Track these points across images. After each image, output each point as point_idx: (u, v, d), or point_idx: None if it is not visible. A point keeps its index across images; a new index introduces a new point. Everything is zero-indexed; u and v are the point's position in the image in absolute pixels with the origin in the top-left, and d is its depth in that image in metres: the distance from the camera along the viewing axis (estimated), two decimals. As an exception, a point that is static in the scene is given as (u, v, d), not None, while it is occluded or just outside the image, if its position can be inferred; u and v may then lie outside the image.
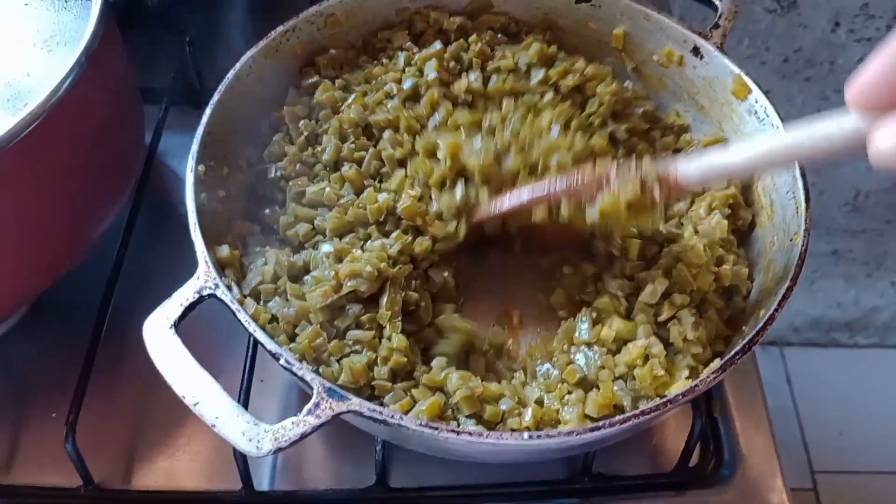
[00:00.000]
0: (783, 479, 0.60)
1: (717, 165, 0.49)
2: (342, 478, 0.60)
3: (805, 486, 1.68)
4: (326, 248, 0.56)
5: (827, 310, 1.80)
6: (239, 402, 0.57)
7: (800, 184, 0.55)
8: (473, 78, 0.63)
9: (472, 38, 0.66)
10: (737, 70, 0.61)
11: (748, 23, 1.27)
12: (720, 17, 0.64)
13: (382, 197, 0.57)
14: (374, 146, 0.61)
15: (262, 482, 0.60)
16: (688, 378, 0.51)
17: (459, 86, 0.62)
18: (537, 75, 0.65)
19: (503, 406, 0.51)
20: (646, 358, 0.52)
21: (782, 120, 0.58)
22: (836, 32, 1.29)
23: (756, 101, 0.60)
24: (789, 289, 0.49)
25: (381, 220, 0.57)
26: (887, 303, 1.77)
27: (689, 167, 0.50)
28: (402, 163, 0.60)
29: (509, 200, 0.56)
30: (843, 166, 1.51)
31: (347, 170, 0.59)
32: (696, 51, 0.63)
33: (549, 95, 0.63)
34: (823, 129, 0.44)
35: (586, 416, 0.51)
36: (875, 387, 1.78)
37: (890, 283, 1.72)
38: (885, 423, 1.71)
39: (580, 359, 0.54)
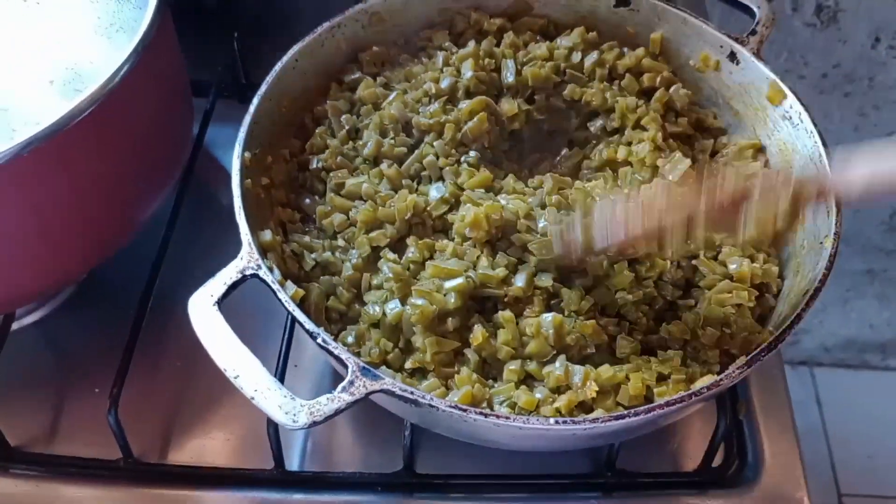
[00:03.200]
0: (807, 486, 0.60)
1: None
2: (370, 462, 0.61)
3: (832, 509, 1.66)
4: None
5: (860, 330, 1.78)
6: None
7: (832, 189, 0.55)
8: (508, 73, 0.65)
9: (507, 35, 0.67)
10: (772, 76, 0.62)
11: (787, 36, 1.27)
12: (758, 23, 0.64)
13: (412, 197, 0.58)
14: (414, 145, 0.63)
15: (293, 463, 0.61)
16: (717, 373, 0.52)
17: (509, 108, 0.64)
18: (590, 58, 0.66)
19: (538, 395, 0.52)
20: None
21: (816, 125, 0.58)
22: (876, 48, 1.28)
23: (791, 107, 0.61)
24: (817, 289, 0.50)
25: (411, 219, 0.59)
26: (922, 325, 1.74)
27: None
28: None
29: (625, 231, 0.51)
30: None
31: (387, 168, 0.61)
32: (732, 56, 0.64)
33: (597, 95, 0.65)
34: None
35: (618, 405, 0.51)
36: (906, 411, 1.75)
37: (925, 305, 1.70)
38: (915, 449, 1.69)
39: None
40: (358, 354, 0.55)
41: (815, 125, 0.58)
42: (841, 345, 1.81)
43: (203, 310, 0.50)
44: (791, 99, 0.60)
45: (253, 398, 0.47)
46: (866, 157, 0.45)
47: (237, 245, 0.53)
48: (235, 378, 0.47)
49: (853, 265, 1.62)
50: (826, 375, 1.84)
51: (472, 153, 0.61)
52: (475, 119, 0.61)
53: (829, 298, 1.69)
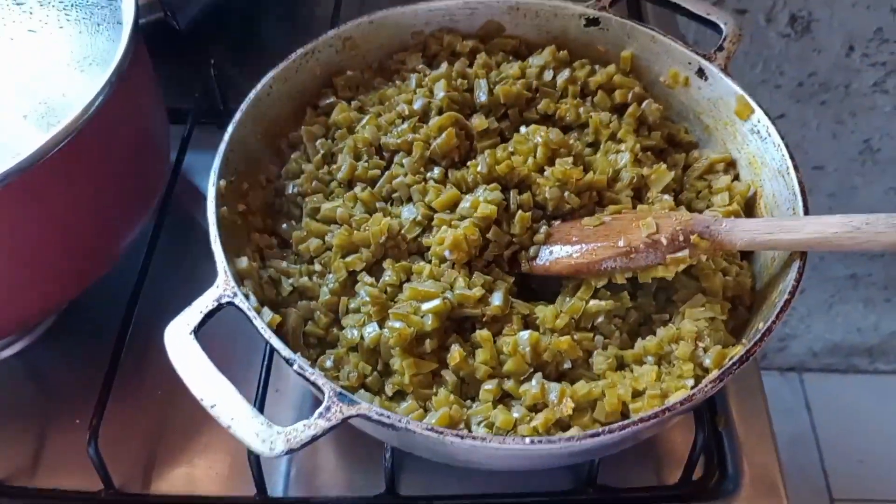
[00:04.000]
0: (787, 496, 0.61)
1: (771, 239, 0.53)
2: (353, 485, 0.61)
3: (824, 514, 1.66)
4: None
5: (846, 335, 1.79)
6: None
7: (799, 201, 0.56)
8: (481, 93, 0.65)
9: (480, 55, 0.68)
10: (740, 91, 0.63)
11: (762, 47, 1.29)
12: (724, 39, 0.65)
13: (385, 220, 0.59)
14: (387, 167, 0.63)
15: (276, 489, 0.61)
16: (692, 387, 0.52)
17: (479, 123, 0.64)
18: (562, 75, 0.67)
19: (515, 414, 0.52)
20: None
21: (783, 139, 0.59)
22: (850, 56, 1.30)
23: (758, 121, 0.62)
24: (787, 302, 0.50)
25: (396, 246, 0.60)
26: (907, 328, 1.76)
27: (739, 234, 0.54)
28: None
29: (561, 259, 0.58)
30: (860, 190, 1.51)
31: (360, 191, 0.62)
32: (700, 72, 0.65)
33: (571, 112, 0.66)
34: (885, 220, 0.48)
35: (595, 421, 0.52)
36: (896, 414, 1.76)
37: (910, 308, 1.71)
38: (906, 451, 1.69)
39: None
40: (336, 378, 0.55)
41: (782, 138, 0.59)
42: (828, 350, 1.82)
43: (179, 339, 0.50)
44: (759, 113, 0.61)
45: (230, 427, 0.47)
46: (750, 225, 0.55)
47: (216, 271, 0.54)
48: (212, 407, 0.47)
49: (837, 271, 1.63)
50: (815, 380, 1.85)
51: (436, 170, 0.62)
52: (444, 135, 0.62)
53: (814, 304, 1.71)
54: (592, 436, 0.47)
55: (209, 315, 0.51)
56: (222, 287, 0.53)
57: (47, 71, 0.58)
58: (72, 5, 0.61)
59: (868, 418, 1.76)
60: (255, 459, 0.58)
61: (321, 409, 0.48)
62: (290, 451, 0.46)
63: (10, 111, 0.55)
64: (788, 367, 1.86)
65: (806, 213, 0.55)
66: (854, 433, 1.74)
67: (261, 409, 0.60)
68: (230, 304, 0.52)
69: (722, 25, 0.66)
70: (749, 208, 0.62)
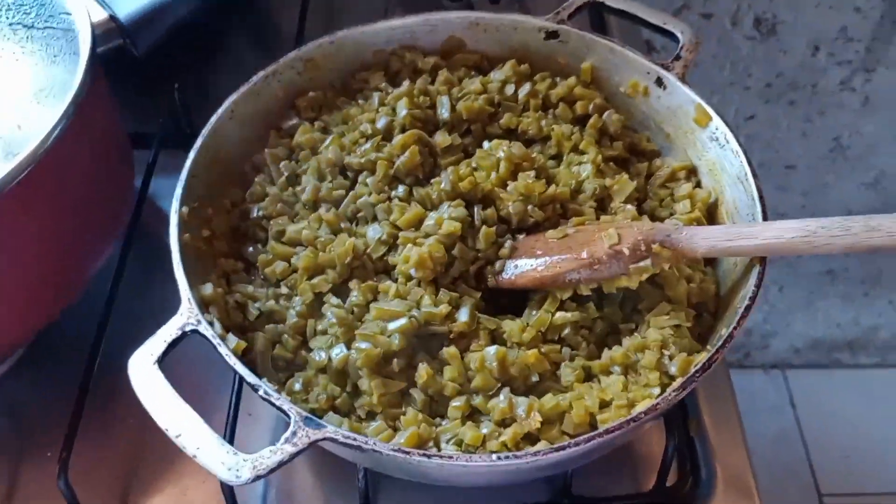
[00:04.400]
0: (759, 497, 0.61)
1: (730, 246, 0.53)
2: (330, 507, 0.61)
3: (813, 510, 1.67)
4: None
5: (827, 330, 1.80)
6: (225, 435, 0.59)
7: (758, 206, 0.56)
8: (443, 109, 0.66)
9: (442, 72, 0.69)
10: (698, 99, 0.63)
11: (729, 50, 1.30)
12: (681, 48, 0.66)
13: (350, 241, 0.59)
14: (351, 187, 0.63)
15: (252, 513, 0.61)
16: (657, 396, 0.52)
17: (442, 140, 0.64)
18: (523, 89, 0.67)
19: (484, 430, 0.52)
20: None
21: (741, 146, 0.60)
22: (816, 56, 1.32)
23: (717, 129, 0.62)
24: (748, 308, 0.51)
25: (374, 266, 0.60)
26: (887, 321, 1.77)
27: (699, 242, 0.55)
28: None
29: (526, 273, 0.58)
30: (832, 187, 1.53)
31: (325, 212, 0.62)
32: (659, 82, 0.66)
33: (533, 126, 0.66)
34: (840, 223, 0.49)
35: (564, 433, 0.52)
36: (880, 407, 1.77)
37: (888, 302, 1.73)
38: (891, 445, 1.70)
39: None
40: (306, 401, 0.55)
41: (740, 145, 0.60)
42: (810, 346, 1.84)
43: (143, 370, 0.50)
44: (717, 121, 0.62)
45: (195, 456, 0.47)
46: (709, 232, 0.56)
47: (181, 295, 0.54)
48: (177, 437, 0.47)
49: (813, 267, 1.64)
50: (798, 377, 1.86)
51: (400, 188, 0.62)
52: (407, 153, 0.62)
53: (794, 301, 1.72)
54: (558, 449, 0.47)
55: (173, 344, 0.51)
56: (186, 315, 0.52)
57: (4, 104, 0.57)
58: (27, 38, 0.61)
59: (852, 412, 1.77)
60: (226, 486, 0.57)
61: (287, 433, 0.47)
62: (258, 478, 0.46)
63: (-33, 146, 0.55)
64: (771, 364, 1.87)
65: (765, 218, 0.56)
66: (839, 428, 1.75)
67: (232, 435, 0.60)
68: (194, 331, 0.52)
69: (679, 34, 0.67)
70: (711, 215, 0.63)
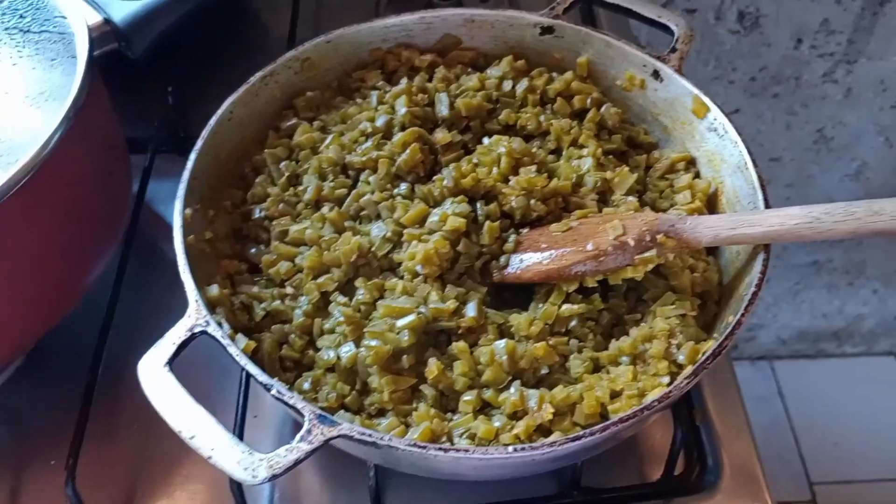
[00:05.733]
0: (767, 484, 0.62)
1: (734, 234, 0.54)
2: (339, 506, 0.61)
3: (804, 499, 1.68)
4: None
5: (813, 320, 1.82)
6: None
7: (759, 195, 0.57)
8: (442, 106, 0.66)
9: (439, 69, 0.69)
10: (695, 90, 0.64)
11: (713, 45, 1.31)
12: (677, 40, 0.67)
13: (355, 239, 0.59)
14: (353, 185, 0.63)
15: (261, 515, 0.61)
16: (667, 385, 0.53)
17: (442, 137, 0.64)
18: (521, 85, 0.67)
19: (496, 423, 0.52)
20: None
21: (740, 135, 0.61)
22: (798, 49, 1.33)
23: (715, 119, 0.63)
24: (754, 294, 0.52)
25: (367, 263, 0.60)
26: (871, 310, 1.80)
27: (703, 231, 0.55)
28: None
29: (531, 266, 0.59)
30: (816, 178, 1.55)
31: (328, 211, 0.62)
32: (655, 74, 0.67)
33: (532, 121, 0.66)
34: (843, 208, 0.50)
35: (575, 424, 0.52)
36: (867, 395, 1.80)
37: (872, 291, 1.75)
38: (879, 431, 1.73)
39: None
40: (315, 401, 0.55)
41: (739, 135, 0.60)
42: (796, 336, 1.86)
43: (153, 373, 0.49)
44: (715, 111, 0.63)
45: (210, 458, 0.46)
46: (713, 221, 0.56)
47: (187, 299, 0.53)
48: (191, 439, 0.47)
49: (799, 258, 1.66)
50: (786, 368, 1.88)
51: (403, 186, 0.62)
52: (408, 151, 0.62)
53: (779, 292, 1.74)
54: (573, 439, 0.47)
55: (182, 346, 0.51)
56: (194, 316, 0.52)
57: (1, 109, 0.57)
58: (24, 42, 0.60)
59: (840, 401, 1.80)
60: (237, 487, 0.57)
61: (302, 432, 0.47)
62: (274, 478, 0.46)
63: (-35, 152, 0.54)
64: (759, 356, 1.89)
65: (766, 206, 0.57)
66: (827, 417, 1.78)
67: (240, 437, 0.60)
68: (203, 332, 0.52)
69: (673, 27, 0.67)
70: (711, 205, 0.63)
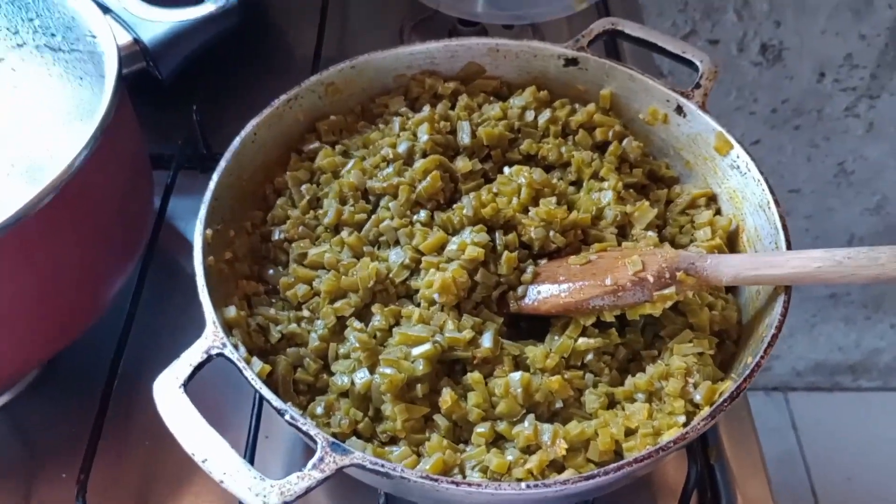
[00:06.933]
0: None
1: (755, 275, 0.54)
2: (348, 532, 0.61)
3: (815, 534, 1.66)
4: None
5: (829, 353, 1.81)
6: (245, 457, 0.59)
7: (781, 235, 0.57)
8: (464, 135, 0.66)
9: (462, 97, 0.69)
10: (718, 127, 0.64)
11: (735, 76, 1.31)
12: (701, 76, 0.67)
13: (373, 265, 0.59)
14: (373, 211, 0.64)
15: (269, 538, 0.61)
16: (683, 425, 0.52)
17: (463, 165, 0.65)
18: (543, 116, 0.68)
19: (509, 457, 0.52)
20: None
21: (762, 174, 0.60)
22: (821, 82, 1.33)
23: (738, 157, 0.63)
24: (774, 336, 0.51)
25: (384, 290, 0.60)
26: (888, 344, 1.78)
27: (723, 270, 0.55)
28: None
29: (548, 298, 0.59)
30: (836, 211, 1.54)
31: (347, 236, 0.62)
32: (679, 109, 0.67)
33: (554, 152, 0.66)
34: (866, 254, 0.49)
35: (588, 461, 0.52)
36: (882, 430, 1.77)
37: (889, 325, 1.73)
38: (893, 468, 1.70)
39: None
40: (327, 426, 0.55)
41: (761, 174, 0.60)
42: (811, 368, 1.84)
43: (169, 394, 0.49)
44: (738, 149, 0.62)
45: (222, 482, 0.46)
46: (734, 261, 0.56)
47: (203, 317, 0.53)
48: (204, 462, 0.47)
49: (817, 291, 1.65)
50: (800, 400, 1.86)
51: (422, 213, 0.62)
52: (429, 178, 0.62)
53: (795, 324, 1.72)
54: (587, 478, 0.47)
55: (198, 368, 0.51)
56: (211, 338, 0.52)
57: (31, 126, 0.58)
58: (54, 61, 0.61)
59: (854, 435, 1.77)
60: (247, 510, 0.57)
61: (314, 459, 0.47)
62: (285, 505, 0.46)
63: (-6, 168, 0.55)
64: (773, 387, 1.87)
65: (788, 246, 0.56)
66: (841, 451, 1.75)
67: (251, 458, 0.60)
68: (220, 355, 0.52)
69: (698, 63, 0.67)
70: (731, 242, 0.63)
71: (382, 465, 0.47)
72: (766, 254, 0.57)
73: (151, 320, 0.70)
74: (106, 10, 0.69)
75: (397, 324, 0.58)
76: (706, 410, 0.50)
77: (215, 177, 0.61)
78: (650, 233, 0.62)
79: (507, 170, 0.65)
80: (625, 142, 0.68)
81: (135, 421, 0.65)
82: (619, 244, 0.62)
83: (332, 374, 0.57)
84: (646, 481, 0.63)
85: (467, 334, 0.56)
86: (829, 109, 1.36)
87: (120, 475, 0.63)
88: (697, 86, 0.66)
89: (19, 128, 0.57)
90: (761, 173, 0.60)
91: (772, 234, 0.58)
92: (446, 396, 0.54)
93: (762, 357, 0.50)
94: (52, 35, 0.62)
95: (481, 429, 0.53)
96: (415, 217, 0.62)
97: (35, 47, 0.61)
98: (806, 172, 1.46)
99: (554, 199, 0.62)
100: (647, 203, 0.64)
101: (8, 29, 0.62)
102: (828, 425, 1.81)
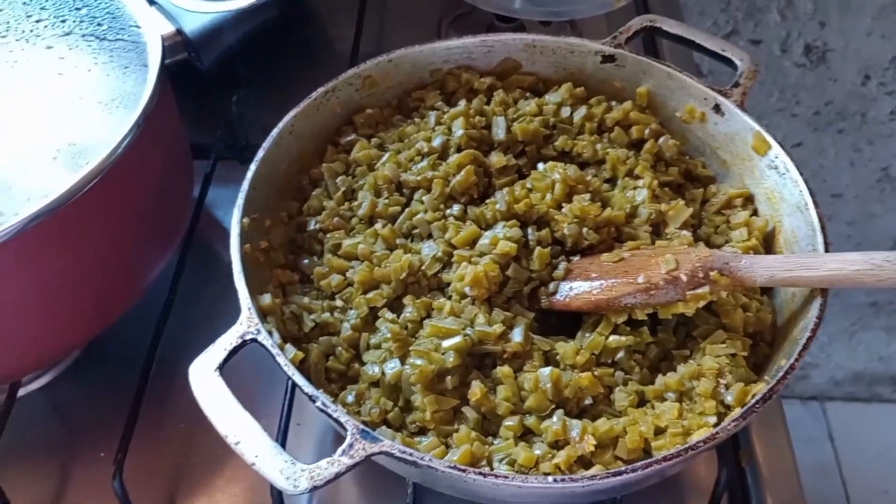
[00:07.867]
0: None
1: (791, 276, 0.53)
2: (375, 520, 0.62)
3: (850, 547, 1.63)
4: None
5: (868, 363, 1.77)
6: (277, 442, 0.60)
7: (819, 237, 0.56)
8: (499, 130, 0.66)
9: (498, 93, 0.69)
10: (757, 127, 0.63)
11: (777, 76, 1.29)
12: (740, 76, 0.66)
13: (406, 257, 0.59)
14: (407, 204, 0.64)
15: (298, 523, 0.62)
16: (713, 425, 0.52)
17: (497, 160, 0.65)
18: (579, 112, 0.68)
19: (537, 451, 0.52)
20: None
21: (801, 174, 0.59)
22: (866, 85, 1.30)
23: (776, 157, 0.62)
24: (809, 339, 0.50)
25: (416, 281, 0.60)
26: (930, 356, 1.74)
27: (758, 271, 0.54)
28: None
29: (580, 295, 0.58)
30: (879, 217, 1.50)
31: (381, 228, 0.62)
32: (717, 108, 0.66)
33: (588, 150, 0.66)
34: None
35: (617, 458, 0.52)
36: (921, 443, 1.73)
37: (932, 336, 1.69)
38: (931, 482, 1.66)
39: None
40: (358, 414, 0.55)
41: (801, 174, 0.59)
42: (850, 378, 1.80)
43: (204, 377, 0.50)
44: (776, 149, 0.62)
45: (254, 464, 0.47)
46: (770, 262, 0.55)
47: (239, 304, 0.54)
48: (237, 444, 0.48)
49: (858, 298, 1.62)
50: (837, 410, 1.83)
51: (455, 207, 0.62)
52: (462, 172, 0.63)
53: (835, 332, 1.69)
54: (615, 474, 0.47)
55: (233, 352, 0.52)
56: (246, 324, 0.53)
57: (76, 113, 0.59)
58: (100, 49, 0.62)
59: (892, 448, 1.73)
60: (277, 494, 0.58)
61: (344, 446, 0.48)
62: (315, 489, 0.46)
63: (40, 153, 0.57)
64: (810, 395, 1.84)
65: (826, 249, 0.55)
66: (878, 463, 1.72)
67: (283, 443, 0.61)
68: (254, 340, 0.53)
69: (737, 62, 0.67)
70: (768, 243, 0.62)
71: (411, 454, 0.47)
72: (802, 255, 0.57)
73: (189, 306, 0.71)
74: (150, 0, 0.71)
75: (429, 316, 0.59)
76: (737, 412, 0.49)
77: (253, 167, 0.62)
78: (684, 232, 0.62)
79: (541, 166, 0.65)
80: (661, 140, 0.67)
81: (171, 403, 0.67)
82: (653, 242, 0.61)
83: (363, 363, 0.58)
84: (675, 481, 0.62)
85: (498, 328, 0.56)
86: (873, 113, 1.34)
87: (155, 457, 0.65)
88: (736, 84, 0.66)
89: (65, 114, 0.59)
90: (800, 174, 0.60)
91: (809, 236, 0.57)
92: (475, 389, 0.54)
93: (796, 360, 0.50)
94: (99, 24, 0.64)
95: (510, 422, 0.54)
96: (448, 211, 0.63)
97: (81, 36, 0.63)
98: (849, 177, 1.43)
99: (588, 196, 0.62)
100: (682, 202, 0.63)
101: (56, 17, 0.64)
102: (865, 436, 1.78)
